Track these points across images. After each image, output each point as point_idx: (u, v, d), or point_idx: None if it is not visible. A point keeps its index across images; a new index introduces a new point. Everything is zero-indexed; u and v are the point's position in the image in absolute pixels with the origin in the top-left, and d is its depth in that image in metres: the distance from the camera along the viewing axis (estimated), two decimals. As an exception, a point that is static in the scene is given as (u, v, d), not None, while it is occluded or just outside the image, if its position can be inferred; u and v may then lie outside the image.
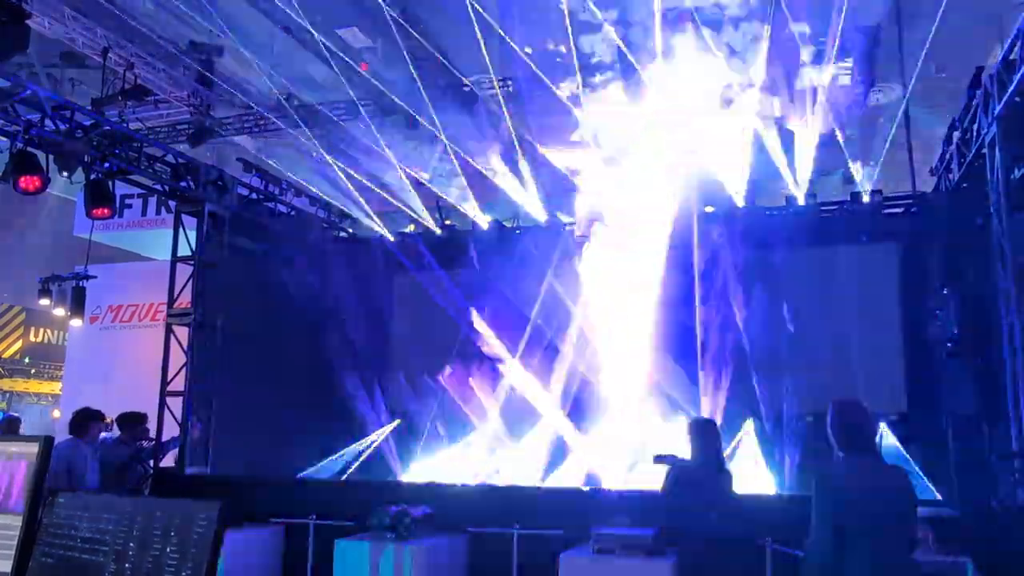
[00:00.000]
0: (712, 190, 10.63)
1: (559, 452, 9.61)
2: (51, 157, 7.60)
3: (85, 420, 6.97)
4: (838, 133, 11.32)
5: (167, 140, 13.10)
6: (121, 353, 12.09)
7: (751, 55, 11.29)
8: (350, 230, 11.92)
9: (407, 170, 11.93)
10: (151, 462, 8.35)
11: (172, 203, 9.54)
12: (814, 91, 10.44)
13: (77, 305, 11.68)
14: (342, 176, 11.14)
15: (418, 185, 11.69)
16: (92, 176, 8.04)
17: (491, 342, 9.79)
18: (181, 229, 9.37)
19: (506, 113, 11.85)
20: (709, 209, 10.36)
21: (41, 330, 22.72)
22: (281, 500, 7.80)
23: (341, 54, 12.85)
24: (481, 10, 9.66)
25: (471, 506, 7.44)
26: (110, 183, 8.18)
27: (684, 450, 5.37)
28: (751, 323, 9.07)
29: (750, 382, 8.87)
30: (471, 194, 11.78)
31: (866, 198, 9.36)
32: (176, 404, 9.06)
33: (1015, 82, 5.93)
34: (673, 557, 5.73)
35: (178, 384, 9.08)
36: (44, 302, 12.49)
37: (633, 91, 11.20)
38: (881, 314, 8.98)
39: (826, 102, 10.36)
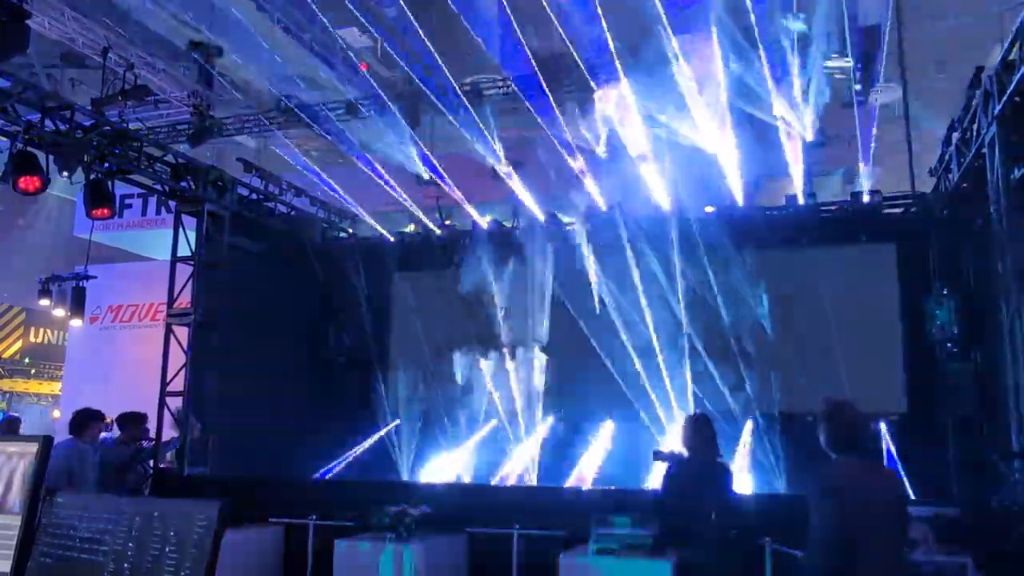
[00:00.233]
0: (712, 190, 10.63)
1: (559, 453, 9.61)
2: (51, 157, 7.60)
3: (85, 420, 6.97)
4: (838, 133, 11.33)
5: (167, 140, 13.10)
6: (121, 353, 12.11)
7: (750, 54, 11.28)
8: (350, 230, 11.92)
9: (407, 169, 11.94)
10: (151, 462, 8.35)
11: (172, 203, 9.53)
12: (814, 91, 10.43)
13: (77, 305, 11.69)
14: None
15: (418, 185, 11.70)
16: (92, 176, 8.03)
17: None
18: (181, 229, 9.36)
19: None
20: (709, 209, 10.36)
21: (41, 330, 22.71)
22: (281, 500, 7.80)
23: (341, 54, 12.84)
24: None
25: (471, 506, 7.44)
26: (110, 183, 8.18)
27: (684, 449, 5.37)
28: (751, 323, 9.06)
29: (749, 381, 8.86)
30: (471, 193, 11.80)
31: (866, 198, 9.36)
32: (176, 404, 9.06)
33: (1015, 82, 5.93)
34: (673, 557, 5.73)
35: (178, 384, 9.07)
36: (44, 302, 12.49)
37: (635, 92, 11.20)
38: (881, 314, 8.98)
39: (826, 102, 10.36)
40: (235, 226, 9.69)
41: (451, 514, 7.14)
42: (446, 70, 12.12)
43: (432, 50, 11.61)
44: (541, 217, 10.86)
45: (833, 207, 9.77)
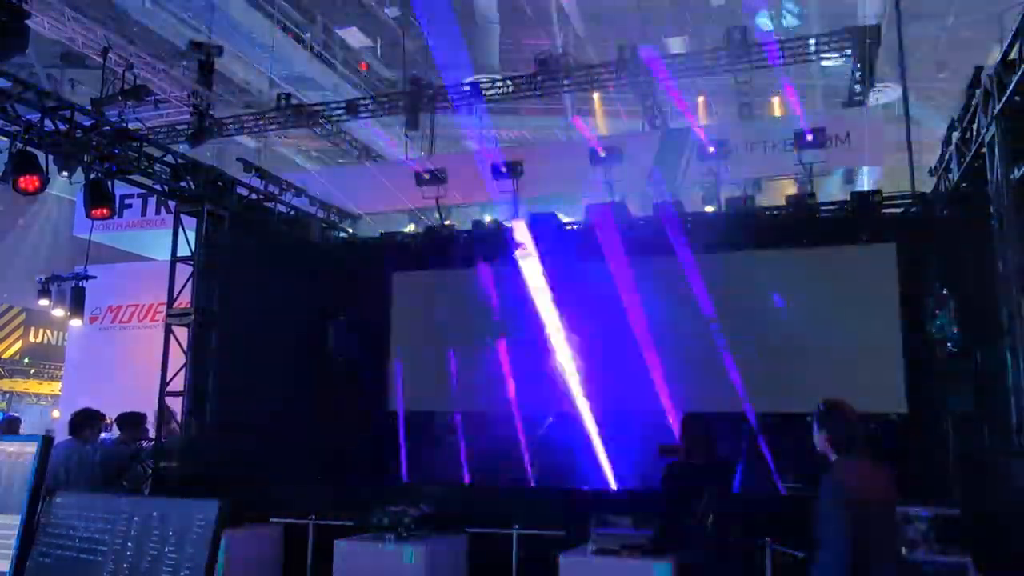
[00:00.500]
0: (712, 189, 10.65)
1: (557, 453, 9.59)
2: (51, 157, 7.60)
3: (84, 421, 6.98)
4: (837, 133, 11.34)
5: (167, 140, 13.09)
6: (121, 353, 12.09)
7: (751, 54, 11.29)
8: (350, 230, 11.91)
9: (406, 169, 11.93)
10: (150, 462, 8.35)
11: (172, 203, 9.53)
12: (813, 90, 10.43)
13: (76, 305, 11.68)
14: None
15: (418, 185, 11.68)
16: (91, 176, 8.03)
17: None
18: (180, 229, 9.36)
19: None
20: (709, 209, 10.37)
21: (41, 330, 22.70)
22: (281, 500, 7.80)
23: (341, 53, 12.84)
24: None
25: (471, 506, 7.44)
26: (110, 183, 8.17)
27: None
28: (751, 322, 9.06)
29: (749, 381, 8.86)
30: (471, 193, 11.80)
31: (866, 198, 9.36)
32: (176, 404, 9.06)
33: (1015, 82, 5.93)
34: (673, 557, 5.73)
35: (177, 384, 9.07)
36: (44, 302, 12.48)
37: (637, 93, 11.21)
38: (881, 314, 8.97)
39: (825, 102, 10.37)
40: (235, 226, 9.68)
41: (451, 514, 7.15)
42: (446, 70, 12.14)
43: (432, 50, 11.62)
44: (541, 216, 10.86)
45: (833, 207, 9.77)
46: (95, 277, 11.80)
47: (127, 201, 14.10)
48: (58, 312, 12.61)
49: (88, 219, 8.60)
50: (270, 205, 10.50)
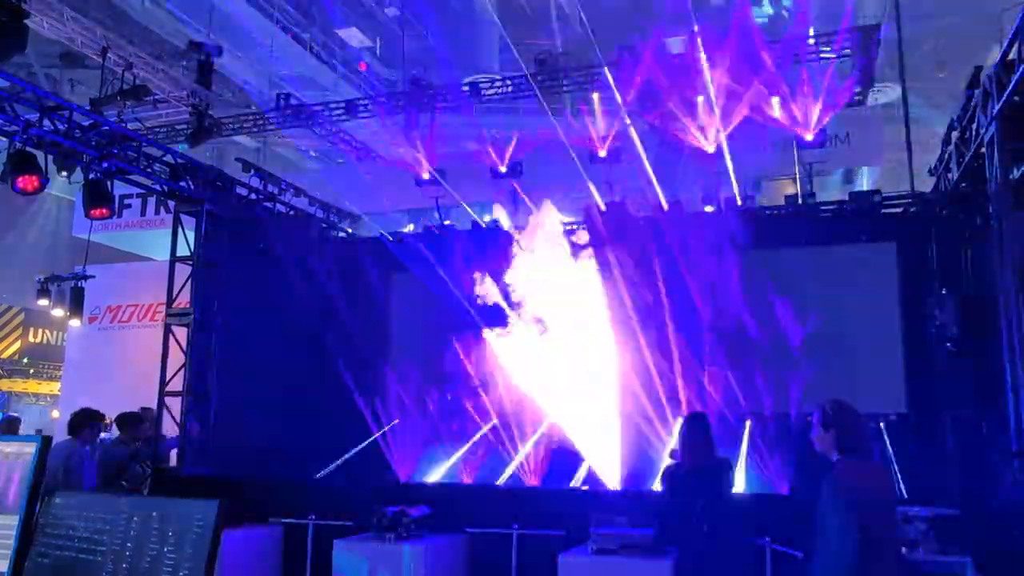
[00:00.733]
0: (712, 189, 10.63)
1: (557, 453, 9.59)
2: (50, 157, 7.60)
3: (84, 421, 6.97)
4: (837, 133, 11.34)
5: (166, 140, 13.08)
6: (120, 353, 12.07)
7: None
8: (350, 230, 11.90)
9: (406, 169, 11.93)
10: (150, 462, 8.34)
11: (171, 203, 9.52)
12: (814, 90, 10.43)
13: (76, 305, 11.68)
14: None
15: (418, 185, 11.69)
16: (91, 176, 8.03)
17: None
18: (180, 229, 9.36)
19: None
20: (709, 209, 10.36)
21: (40, 330, 22.68)
22: (281, 500, 7.79)
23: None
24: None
25: (471, 506, 7.43)
26: (109, 183, 8.17)
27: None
28: (750, 322, 9.06)
29: (749, 381, 8.86)
30: (471, 193, 11.79)
31: (866, 198, 9.36)
32: (175, 404, 9.05)
33: (1014, 82, 5.93)
34: (673, 557, 5.73)
35: (177, 384, 9.07)
36: (43, 302, 12.48)
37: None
38: (881, 314, 8.97)
39: (826, 101, 10.37)
40: (234, 226, 9.68)
41: (451, 514, 7.14)
42: (446, 70, 12.14)
43: (432, 50, 11.62)
44: (540, 216, 10.84)
45: (833, 207, 9.77)
46: (94, 277, 11.79)
47: (126, 201, 14.09)
48: (57, 312, 12.60)
49: (87, 219, 8.59)
50: (269, 205, 10.49)
